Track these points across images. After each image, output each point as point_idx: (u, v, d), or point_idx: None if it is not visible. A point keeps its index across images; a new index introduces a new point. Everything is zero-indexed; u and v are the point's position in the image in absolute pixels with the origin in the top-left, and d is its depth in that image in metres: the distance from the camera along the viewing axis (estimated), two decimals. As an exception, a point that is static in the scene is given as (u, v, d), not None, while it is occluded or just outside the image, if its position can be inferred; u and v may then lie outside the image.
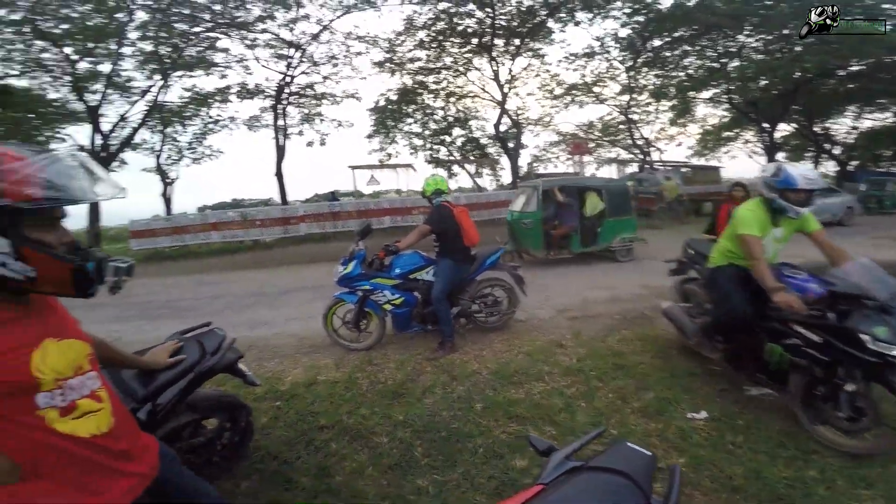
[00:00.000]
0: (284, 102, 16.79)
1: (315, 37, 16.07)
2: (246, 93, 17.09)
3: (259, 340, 4.69)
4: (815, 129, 24.31)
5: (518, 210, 8.56)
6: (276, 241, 13.38)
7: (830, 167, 26.47)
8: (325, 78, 17.46)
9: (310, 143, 18.50)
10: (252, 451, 2.54)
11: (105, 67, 15.17)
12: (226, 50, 16.36)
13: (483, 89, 19.88)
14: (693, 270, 3.88)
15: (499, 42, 17.77)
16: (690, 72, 19.98)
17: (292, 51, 16.02)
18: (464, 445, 2.56)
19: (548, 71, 20.48)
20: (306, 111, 17.98)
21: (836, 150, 26.02)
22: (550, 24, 17.66)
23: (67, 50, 14.15)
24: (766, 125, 20.76)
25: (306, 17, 15.56)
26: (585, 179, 11.76)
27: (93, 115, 15.11)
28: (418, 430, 2.73)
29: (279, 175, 16.36)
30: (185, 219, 13.92)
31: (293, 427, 2.85)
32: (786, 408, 2.82)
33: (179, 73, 16.04)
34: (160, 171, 18.91)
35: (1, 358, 0.90)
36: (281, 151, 16.46)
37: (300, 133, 18.21)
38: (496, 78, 18.54)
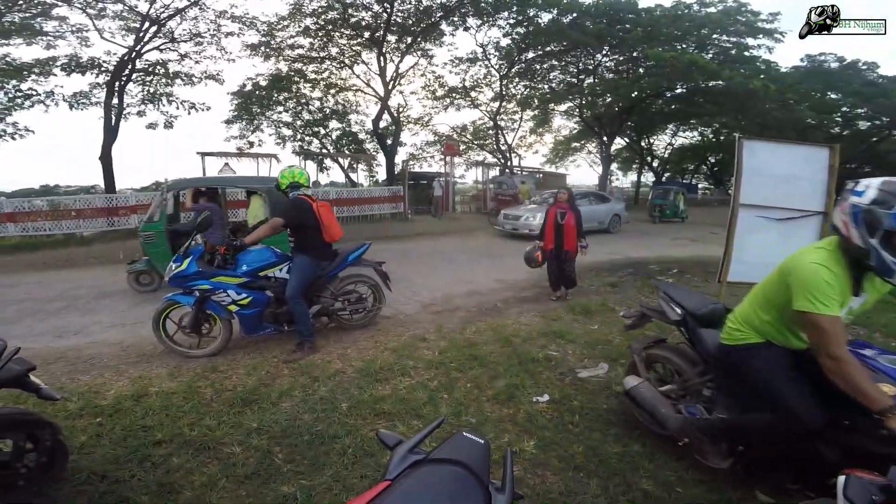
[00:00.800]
0: (124, 79, 14.38)
1: (179, 12, 14.08)
2: (76, 66, 14.13)
3: (69, 351, 4.09)
4: (641, 143, 29.20)
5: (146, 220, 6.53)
6: (96, 235, 11.38)
7: (650, 178, 32.35)
8: (184, 56, 15.46)
9: (152, 126, 16.10)
10: (72, 473, 2.26)
11: None
12: (63, 18, 13.39)
13: (367, 84, 19.59)
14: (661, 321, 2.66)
15: (391, 38, 17.67)
16: (553, 85, 22.16)
17: (146, 25, 13.76)
18: (330, 447, 2.48)
19: (433, 72, 21.02)
20: (152, 90, 15.65)
21: (655, 163, 31.80)
22: (443, 26, 18.15)
23: None
24: (605, 138, 24.18)
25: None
26: (240, 179, 8.57)
27: None
28: (276, 436, 2.60)
29: (105, 159, 13.92)
30: (-36, 207, 10.88)
31: (121, 444, 2.54)
32: (610, 387, 3.10)
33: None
34: (-68, 150, 14.73)
35: None
36: (112, 133, 14.06)
37: (140, 114, 15.74)
38: (382, 74, 18.39)
